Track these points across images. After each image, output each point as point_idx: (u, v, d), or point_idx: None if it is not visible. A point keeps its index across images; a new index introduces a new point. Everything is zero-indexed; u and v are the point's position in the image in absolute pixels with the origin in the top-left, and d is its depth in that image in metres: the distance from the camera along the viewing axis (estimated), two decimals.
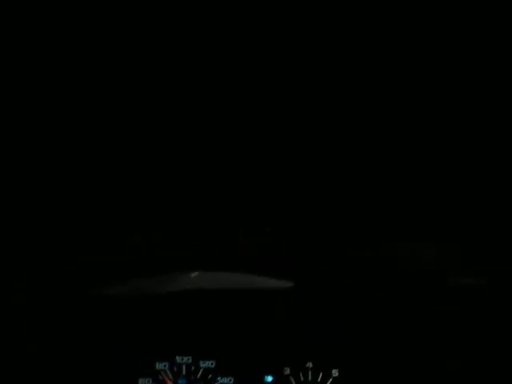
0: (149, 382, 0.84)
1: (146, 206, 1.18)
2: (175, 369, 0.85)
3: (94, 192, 1.09)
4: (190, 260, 1.18)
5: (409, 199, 1.17)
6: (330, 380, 0.87)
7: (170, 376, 0.85)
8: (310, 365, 0.88)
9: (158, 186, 1.17)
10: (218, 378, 0.85)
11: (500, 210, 1.07)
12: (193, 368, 0.85)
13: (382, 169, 1.15)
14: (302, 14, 0.83)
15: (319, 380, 0.88)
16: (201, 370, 0.85)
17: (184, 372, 0.85)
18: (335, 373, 0.88)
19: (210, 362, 0.86)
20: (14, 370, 0.80)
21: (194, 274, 1.04)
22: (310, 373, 0.88)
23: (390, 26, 0.86)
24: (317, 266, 1.21)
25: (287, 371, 0.87)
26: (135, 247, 1.17)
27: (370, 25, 0.86)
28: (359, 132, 1.10)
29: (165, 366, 0.85)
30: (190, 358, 0.86)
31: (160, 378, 0.84)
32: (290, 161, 1.17)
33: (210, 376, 0.85)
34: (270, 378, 0.86)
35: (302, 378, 0.87)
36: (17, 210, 0.99)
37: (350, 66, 0.93)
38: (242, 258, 1.20)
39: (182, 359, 0.85)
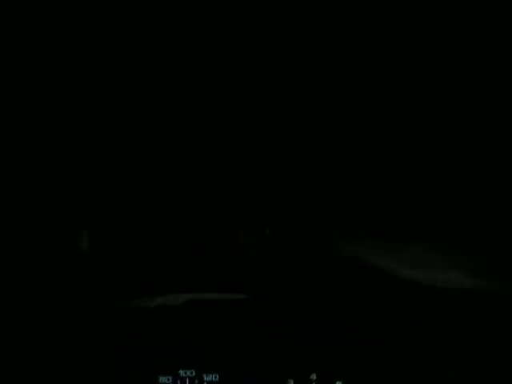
0: None
1: (146, 206, 1.15)
2: (178, 382, 0.85)
3: (93, 192, 1.07)
4: (190, 260, 1.16)
5: (408, 201, 1.15)
6: None
7: None
8: (313, 376, 0.88)
9: (157, 186, 1.14)
10: None
11: (501, 210, 1.06)
12: (196, 382, 0.85)
13: (383, 170, 1.14)
14: (299, 14, 0.79)
15: None
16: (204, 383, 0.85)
17: None
18: None
19: (214, 375, 0.85)
20: (14, 370, 0.79)
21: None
22: None
23: (389, 26, 0.83)
24: (316, 267, 1.20)
25: (291, 383, 0.87)
26: (135, 247, 1.16)
27: (369, 25, 0.83)
28: (359, 133, 1.07)
29: (168, 379, 0.84)
30: (194, 371, 0.85)
31: None
32: (291, 160, 1.15)
33: None
34: None
35: None
36: (16, 210, 0.97)
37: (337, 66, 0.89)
38: (241, 259, 1.18)
39: (186, 373, 0.85)
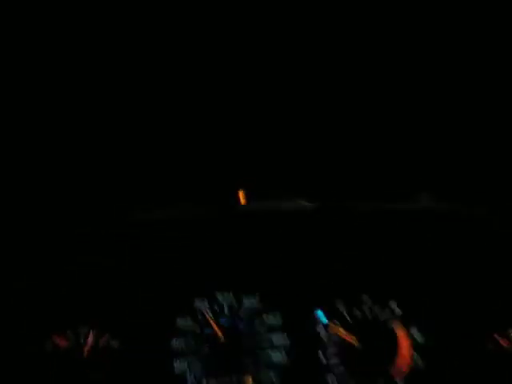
0: (188, 321, 0.76)
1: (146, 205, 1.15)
2: (215, 307, 0.77)
3: (92, 191, 1.07)
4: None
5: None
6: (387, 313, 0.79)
7: (211, 315, 0.76)
8: (365, 298, 0.79)
9: (158, 185, 1.15)
10: (264, 316, 0.77)
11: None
12: (235, 305, 0.77)
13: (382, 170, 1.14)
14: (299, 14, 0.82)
15: (375, 313, 0.79)
16: (243, 307, 0.77)
17: (225, 310, 0.77)
18: (393, 305, 0.79)
19: (254, 297, 0.77)
20: (14, 369, 0.75)
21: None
22: (364, 306, 0.79)
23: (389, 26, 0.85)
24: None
25: (340, 304, 0.78)
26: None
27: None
28: (357, 134, 1.09)
29: (204, 303, 0.77)
30: (231, 293, 0.78)
31: (199, 317, 0.76)
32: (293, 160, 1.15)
33: (254, 313, 0.77)
34: (320, 312, 0.77)
35: (356, 312, 0.78)
36: (16, 209, 0.97)
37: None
38: None
39: (223, 295, 0.78)
